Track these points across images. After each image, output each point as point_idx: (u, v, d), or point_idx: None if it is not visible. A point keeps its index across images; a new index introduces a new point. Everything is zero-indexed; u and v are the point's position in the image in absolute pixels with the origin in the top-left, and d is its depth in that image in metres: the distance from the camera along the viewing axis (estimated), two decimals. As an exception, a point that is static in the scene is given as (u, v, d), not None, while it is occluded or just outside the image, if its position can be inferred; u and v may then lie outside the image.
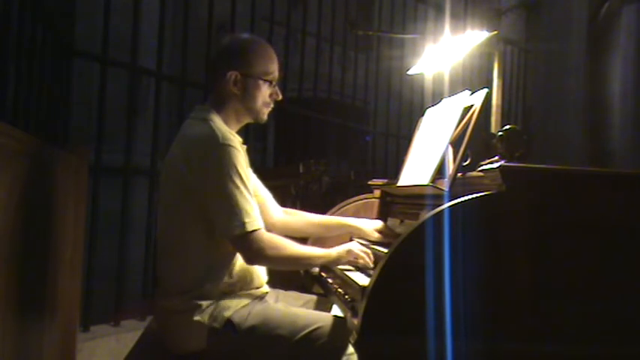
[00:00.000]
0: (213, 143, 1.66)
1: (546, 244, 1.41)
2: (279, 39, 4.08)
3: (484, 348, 1.37)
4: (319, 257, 1.80)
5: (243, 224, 1.63)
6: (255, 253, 1.66)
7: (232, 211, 1.63)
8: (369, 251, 1.86)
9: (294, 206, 3.10)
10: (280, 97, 1.88)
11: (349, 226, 2.16)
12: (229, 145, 1.66)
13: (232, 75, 1.77)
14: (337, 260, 1.84)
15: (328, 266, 1.96)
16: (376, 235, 2.12)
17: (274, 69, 1.84)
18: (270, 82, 1.83)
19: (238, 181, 1.65)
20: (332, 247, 1.86)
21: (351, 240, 2.24)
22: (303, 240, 2.25)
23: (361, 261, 1.84)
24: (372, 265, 1.82)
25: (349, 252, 1.83)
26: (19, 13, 1.99)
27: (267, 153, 4.74)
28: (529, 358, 1.41)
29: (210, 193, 1.65)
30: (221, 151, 1.65)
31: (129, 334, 2.79)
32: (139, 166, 3.38)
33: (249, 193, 1.68)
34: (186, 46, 3.34)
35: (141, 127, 3.76)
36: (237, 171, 1.65)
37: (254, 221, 1.66)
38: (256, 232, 1.65)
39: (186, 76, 3.36)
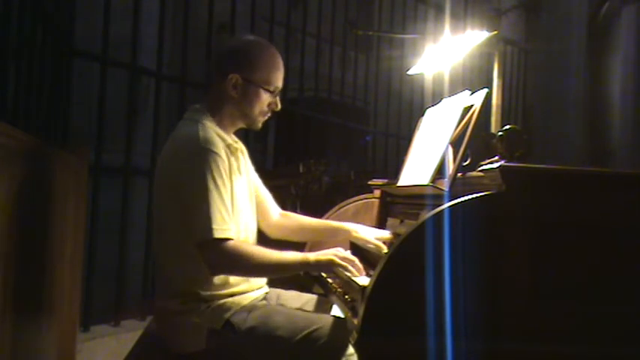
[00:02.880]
0: (194, 146, 1.64)
1: (546, 244, 1.41)
2: (279, 39, 4.07)
3: (484, 348, 1.37)
4: (293, 264, 1.68)
5: (210, 230, 1.58)
6: (218, 261, 1.62)
7: (201, 216, 1.59)
8: (354, 259, 1.72)
9: (294, 206, 3.10)
10: (279, 107, 1.83)
11: (344, 230, 2.09)
12: (208, 149, 1.63)
13: (233, 78, 1.74)
14: (316, 267, 1.74)
15: (309, 272, 1.90)
16: (374, 242, 2.04)
17: (278, 79, 1.79)
18: (272, 92, 1.79)
19: (212, 186, 1.61)
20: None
21: (351, 245, 2.23)
22: (301, 244, 2.24)
23: (344, 271, 1.69)
24: (357, 275, 1.68)
25: (331, 262, 1.68)
26: (19, 13, 1.99)
27: (267, 153, 4.75)
28: (529, 358, 1.41)
29: (186, 196, 1.63)
30: (200, 154, 1.62)
31: (129, 334, 2.78)
32: (139, 166, 3.37)
33: (223, 199, 1.63)
34: (186, 46, 3.34)
35: (141, 127, 3.76)
36: (213, 176, 1.61)
37: (223, 229, 1.60)
38: (223, 241, 1.60)
39: (186, 76, 3.36)
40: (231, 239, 1.62)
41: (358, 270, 1.69)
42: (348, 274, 1.70)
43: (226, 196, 1.65)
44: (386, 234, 2.11)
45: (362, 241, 2.08)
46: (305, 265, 1.70)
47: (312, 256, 1.71)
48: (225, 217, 1.62)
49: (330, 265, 1.70)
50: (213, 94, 1.80)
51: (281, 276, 1.78)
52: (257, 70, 1.75)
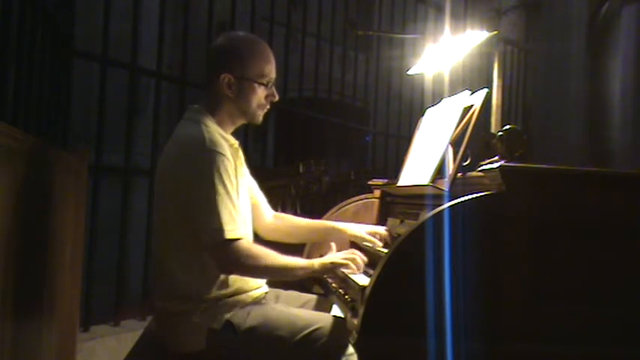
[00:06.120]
0: (199, 148, 1.64)
1: (546, 244, 1.41)
2: (279, 39, 4.08)
3: (484, 348, 1.37)
4: (300, 269, 1.71)
5: (221, 231, 1.59)
6: (231, 262, 1.62)
7: (211, 217, 1.59)
8: (356, 254, 1.77)
9: (294, 206, 3.10)
10: (277, 98, 1.83)
11: (338, 230, 2.08)
12: (215, 151, 1.63)
13: (226, 77, 1.73)
14: (320, 272, 1.76)
15: (312, 276, 1.91)
16: (367, 238, 2.04)
17: (270, 70, 1.79)
18: (266, 85, 1.78)
19: (221, 188, 1.61)
20: (331, 251, 1.84)
21: (351, 245, 2.23)
22: (299, 245, 2.24)
23: (347, 270, 1.74)
24: (359, 271, 1.73)
25: (332, 264, 1.73)
26: (19, 13, 1.99)
27: (267, 153, 4.75)
28: (529, 358, 1.41)
29: (193, 198, 1.63)
30: (206, 156, 1.62)
31: (129, 334, 2.79)
32: (139, 166, 3.38)
33: (232, 200, 1.63)
34: (186, 46, 3.34)
35: (141, 127, 3.76)
36: (221, 177, 1.62)
37: (233, 230, 1.61)
38: (234, 241, 1.61)
39: (186, 76, 3.36)
40: (242, 239, 1.64)
41: (359, 267, 1.74)
42: (349, 271, 1.72)
43: (234, 196, 1.66)
44: (381, 229, 2.11)
45: (357, 238, 2.09)
46: (310, 269, 1.73)
47: (316, 262, 1.75)
48: (235, 218, 1.63)
49: (334, 267, 1.74)
50: (210, 94, 1.79)
51: (287, 279, 1.80)
52: (248, 66, 1.75)
